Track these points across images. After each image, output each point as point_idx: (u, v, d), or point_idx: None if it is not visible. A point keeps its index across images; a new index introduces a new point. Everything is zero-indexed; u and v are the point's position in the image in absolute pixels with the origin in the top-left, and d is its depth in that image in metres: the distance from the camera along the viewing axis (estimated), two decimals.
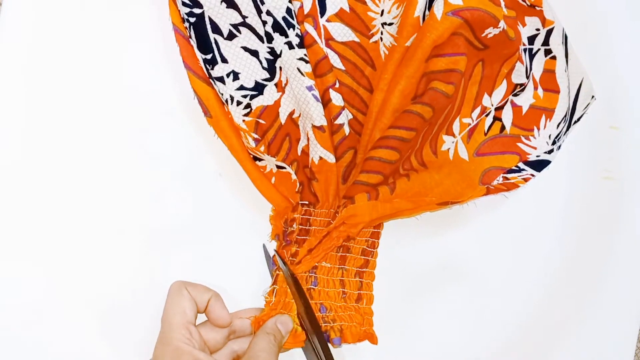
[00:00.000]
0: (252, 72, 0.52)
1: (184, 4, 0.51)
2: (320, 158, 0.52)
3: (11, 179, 0.53)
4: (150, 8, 0.55)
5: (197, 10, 0.51)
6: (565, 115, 0.57)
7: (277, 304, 0.52)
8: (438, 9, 0.51)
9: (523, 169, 0.56)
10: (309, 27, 0.52)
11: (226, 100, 0.52)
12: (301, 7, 0.53)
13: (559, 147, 0.57)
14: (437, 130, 0.55)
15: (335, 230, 0.52)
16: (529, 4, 0.55)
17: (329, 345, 0.51)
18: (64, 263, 0.53)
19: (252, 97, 0.52)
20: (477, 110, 0.56)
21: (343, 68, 0.55)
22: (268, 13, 0.52)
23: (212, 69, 0.51)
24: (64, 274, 0.53)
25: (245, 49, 0.52)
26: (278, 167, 0.54)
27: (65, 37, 0.55)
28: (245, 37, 0.52)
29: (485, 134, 0.57)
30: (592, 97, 0.57)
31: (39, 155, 0.54)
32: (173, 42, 0.52)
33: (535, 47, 0.57)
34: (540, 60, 0.57)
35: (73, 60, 0.55)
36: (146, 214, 0.54)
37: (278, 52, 0.52)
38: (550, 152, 0.57)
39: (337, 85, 0.53)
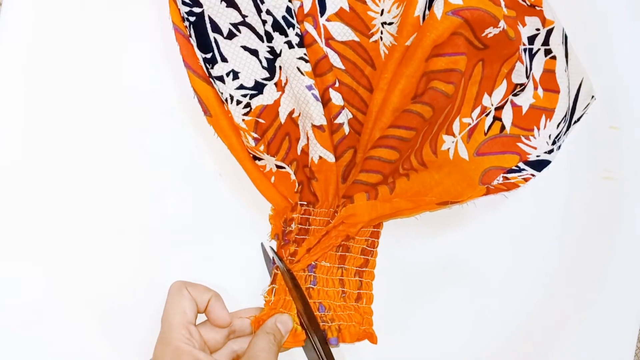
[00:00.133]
0: (252, 71, 0.52)
1: (183, 3, 0.51)
2: (320, 157, 0.52)
3: (11, 179, 0.53)
4: (150, 8, 0.55)
5: (197, 10, 0.51)
6: (565, 115, 0.57)
7: (276, 303, 0.52)
8: (438, 8, 0.51)
9: (523, 169, 0.56)
10: (308, 27, 0.52)
11: (226, 100, 0.52)
12: (301, 6, 0.53)
13: (559, 147, 0.57)
14: (437, 130, 0.55)
15: (335, 229, 0.52)
16: (529, 4, 0.55)
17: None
18: (64, 263, 0.53)
19: (252, 96, 0.52)
20: (477, 110, 0.56)
21: (343, 67, 0.55)
22: (268, 12, 0.52)
23: (212, 68, 0.51)
24: (64, 274, 0.53)
25: (245, 48, 0.52)
26: (277, 166, 0.54)
27: (65, 37, 0.55)
28: (245, 36, 0.52)
29: (485, 134, 0.57)
30: (592, 97, 0.57)
31: (39, 155, 0.54)
32: (173, 42, 0.53)
33: (535, 47, 0.57)
34: (540, 60, 0.57)
35: (73, 60, 0.55)
36: (146, 214, 0.54)
37: (278, 52, 0.52)
38: (550, 152, 0.57)
39: (337, 85, 0.53)
